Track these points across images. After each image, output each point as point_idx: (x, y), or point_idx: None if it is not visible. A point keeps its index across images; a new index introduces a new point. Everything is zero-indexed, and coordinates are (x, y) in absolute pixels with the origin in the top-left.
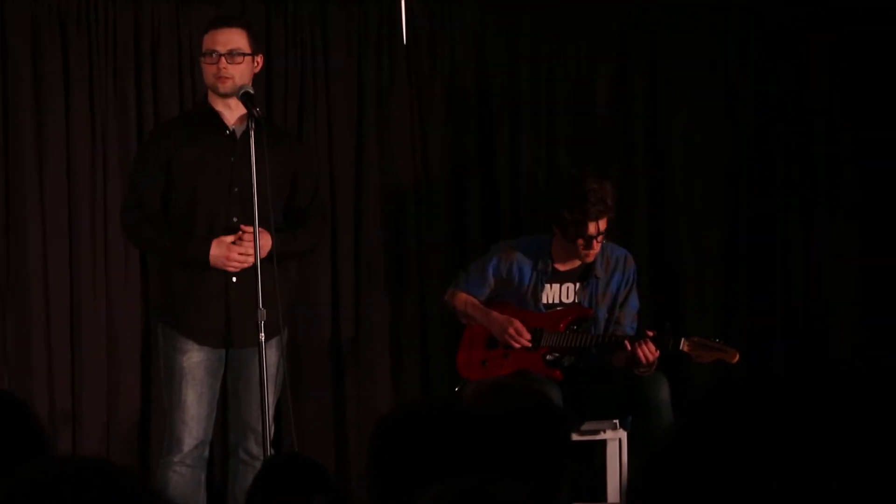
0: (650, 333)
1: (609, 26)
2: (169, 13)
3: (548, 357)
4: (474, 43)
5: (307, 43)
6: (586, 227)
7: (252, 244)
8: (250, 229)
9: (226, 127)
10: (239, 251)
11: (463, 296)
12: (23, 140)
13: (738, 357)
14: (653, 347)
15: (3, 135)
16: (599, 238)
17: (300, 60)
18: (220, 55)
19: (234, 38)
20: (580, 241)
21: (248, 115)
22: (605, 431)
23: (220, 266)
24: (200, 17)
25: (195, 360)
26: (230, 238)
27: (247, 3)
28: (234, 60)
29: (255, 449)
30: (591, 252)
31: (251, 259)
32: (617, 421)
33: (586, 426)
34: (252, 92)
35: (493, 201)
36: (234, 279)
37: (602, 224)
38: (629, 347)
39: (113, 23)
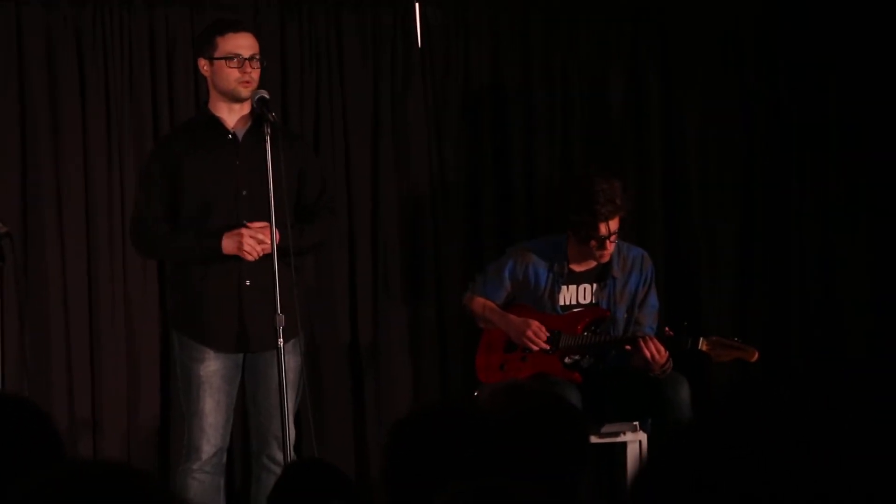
0: (669, 332)
1: (622, 27)
2: (183, 19)
3: (566, 360)
4: (488, 46)
5: (322, 48)
6: (597, 228)
7: (263, 231)
8: (256, 224)
9: (228, 131)
10: (250, 233)
11: (480, 300)
12: (39, 149)
13: (757, 356)
14: (658, 345)
15: (20, 144)
16: (612, 238)
17: (315, 65)
18: (245, 59)
19: (253, 42)
20: (593, 243)
21: (263, 120)
22: (625, 433)
23: (233, 251)
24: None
25: (212, 368)
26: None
27: (260, 8)
28: (255, 65)
29: (278, 454)
30: (606, 252)
31: (266, 247)
32: (637, 423)
33: (606, 428)
34: (267, 97)
35: (509, 204)
36: (248, 282)
37: (613, 224)
38: (640, 345)
39: (128, 30)
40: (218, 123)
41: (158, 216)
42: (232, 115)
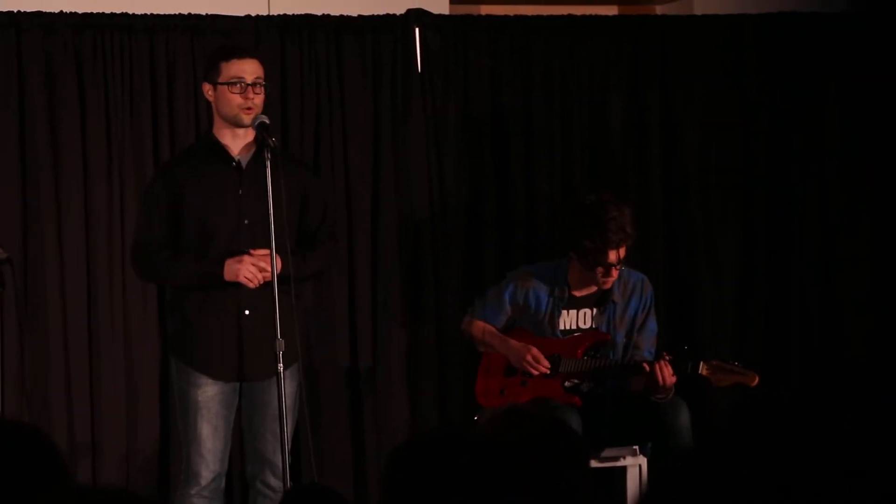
0: (667, 356)
1: (620, 46)
2: (184, 44)
3: (566, 384)
4: (487, 68)
5: (322, 71)
6: (606, 255)
7: (265, 259)
8: (259, 251)
9: (231, 159)
10: (252, 261)
11: (480, 324)
12: (40, 173)
13: (757, 380)
14: (670, 370)
15: (20, 167)
16: (619, 266)
17: (315, 89)
18: (248, 85)
19: (256, 68)
20: (599, 269)
21: (264, 145)
22: (625, 458)
23: (233, 278)
24: (215, 46)
25: (209, 393)
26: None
27: (261, 31)
28: (258, 91)
29: (273, 481)
30: (610, 280)
31: (267, 275)
32: (637, 447)
33: (606, 452)
34: (268, 122)
35: (509, 226)
36: (247, 312)
37: (622, 252)
38: (647, 370)
39: (128, 54)
40: (222, 150)
41: (159, 242)
42: (236, 142)
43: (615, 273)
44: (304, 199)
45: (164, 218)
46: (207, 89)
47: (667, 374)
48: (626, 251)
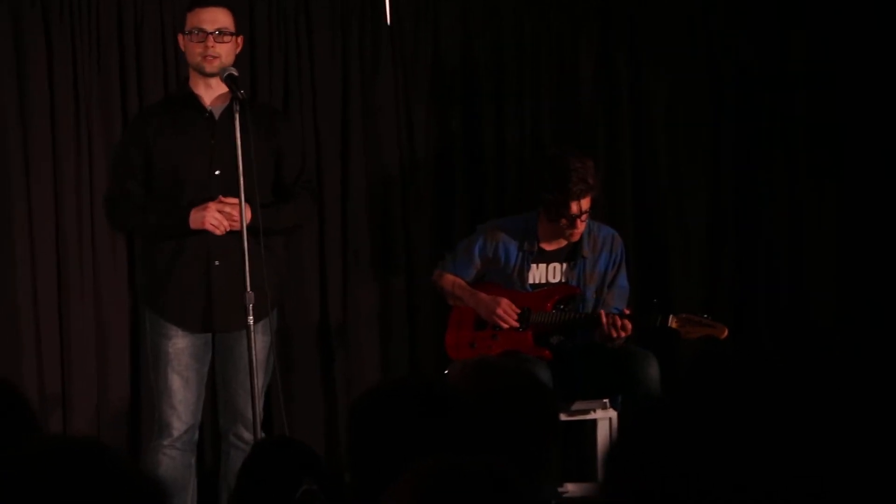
0: (627, 311)
1: (591, 4)
2: None
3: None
4: (458, 23)
5: (291, 24)
6: (568, 207)
7: (233, 208)
8: (230, 199)
9: (204, 109)
10: (217, 207)
11: (450, 277)
12: (7, 128)
13: (726, 332)
14: (619, 322)
15: None
16: (583, 217)
17: (284, 42)
18: (208, 34)
19: (219, 17)
20: (563, 221)
21: (233, 98)
22: (595, 411)
23: (199, 226)
24: (183, 1)
25: (180, 345)
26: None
27: None
28: (221, 39)
29: (245, 434)
30: (576, 231)
31: (235, 223)
32: (607, 400)
33: (576, 405)
34: (236, 74)
35: (479, 181)
36: (217, 262)
37: (585, 203)
38: (603, 319)
39: (96, 10)
40: (195, 100)
41: (130, 190)
42: (209, 92)
43: (580, 225)
44: (279, 152)
45: (136, 166)
46: (180, 40)
47: (615, 323)
48: (592, 203)
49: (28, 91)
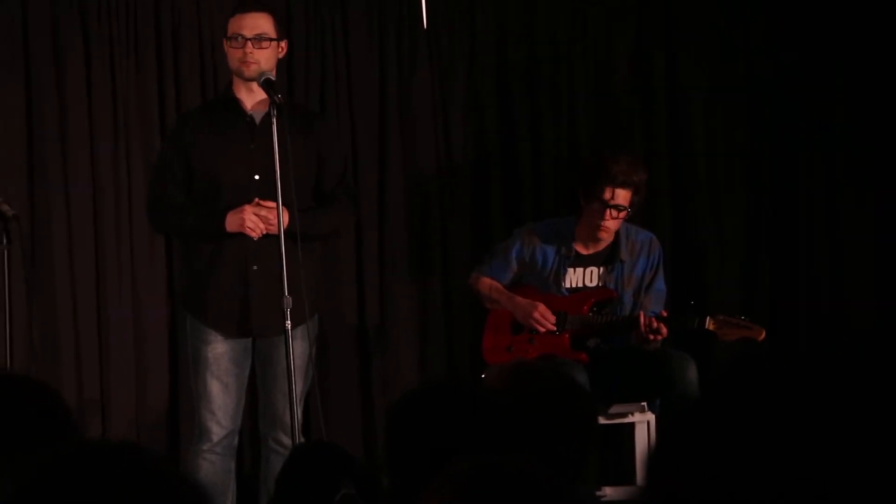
0: (664, 314)
1: (627, 4)
2: (188, 2)
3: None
4: (493, 25)
5: (328, 27)
6: (603, 190)
7: (269, 212)
8: (268, 203)
9: (245, 113)
10: (253, 209)
11: (487, 280)
12: (46, 130)
13: (764, 334)
14: (655, 323)
15: (27, 125)
16: (616, 215)
17: (321, 45)
18: (247, 39)
19: (260, 23)
20: (595, 208)
21: (270, 103)
22: (632, 414)
23: (236, 229)
24: (220, 4)
25: (219, 350)
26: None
27: None
28: (259, 45)
29: (285, 439)
30: (606, 226)
31: (272, 227)
32: (645, 403)
33: (614, 409)
34: (273, 78)
35: (516, 183)
36: (255, 267)
37: (621, 196)
38: (641, 320)
39: (133, 13)
40: (236, 105)
41: (171, 193)
42: (251, 97)
43: (611, 223)
44: (319, 156)
45: (175, 169)
46: (224, 44)
47: (651, 325)
48: (631, 205)
49: (66, 96)
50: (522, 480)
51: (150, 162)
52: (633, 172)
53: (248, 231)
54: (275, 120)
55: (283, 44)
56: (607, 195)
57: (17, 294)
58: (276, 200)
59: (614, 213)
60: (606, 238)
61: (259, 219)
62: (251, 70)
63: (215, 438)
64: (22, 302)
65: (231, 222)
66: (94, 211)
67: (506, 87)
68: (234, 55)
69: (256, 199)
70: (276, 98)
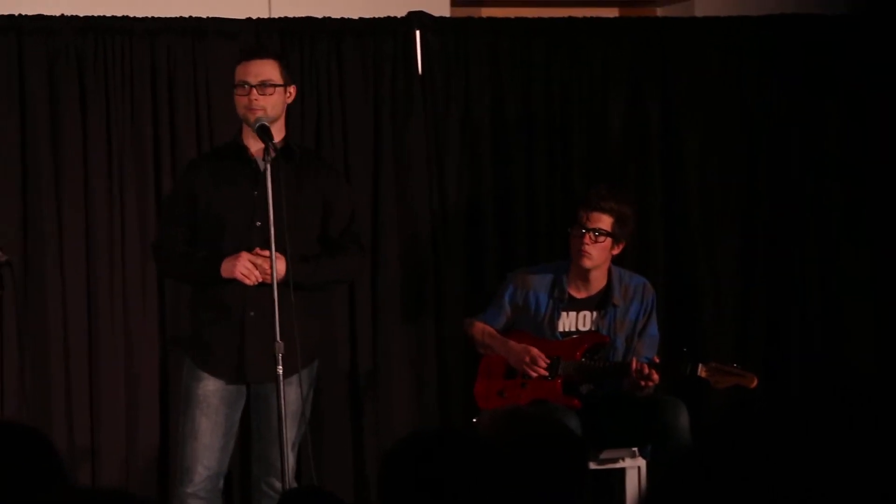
0: (656, 360)
1: (620, 49)
2: (184, 47)
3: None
4: (488, 71)
5: (323, 75)
6: (580, 213)
7: (265, 260)
8: (265, 252)
9: (251, 160)
10: (249, 257)
11: (480, 325)
12: (41, 176)
13: (756, 382)
14: (646, 370)
15: (22, 170)
16: (596, 239)
17: (316, 91)
18: (252, 86)
19: (265, 70)
20: (576, 236)
21: (265, 149)
22: (624, 460)
23: (230, 275)
24: (216, 50)
25: (210, 388)
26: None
27: (261, 35)
28: (265, 91)
29: (277, 483)
30: (584, 251)
31: (268, 275)
32: (636, 449)
33: (605, 454)
34: (267, 125)
35: (510, 229)
36: (252, 313)
37: (600, 221)
38: (633, 366)
39: (129, 58)
40: (243, 151)
41: (175, 238)
42: (258, 144)
43: (588, 244)
44: (326, 205)
45: (181, 214)
46: (234, 94)
47: (643, 372)
48: (613, 233)
49: (61, 144)
50: None
51: (144, 211)
52: (611, 197)
53: (241, 278)
54: (269, 165)
55: (292, 89)
56: (583, 219)
57: (9, 339)
58: (281, 248)
59: (592, 236)
60: (589, 265)
61: (254, 266)
62: (256, 116)
63: (197, 479)
64: (13, 347)
65: (226, 269)
66: (87, 256)
67: (500, 132)
68: (240, 102)
69: (256, 249)
70: (270, 145)
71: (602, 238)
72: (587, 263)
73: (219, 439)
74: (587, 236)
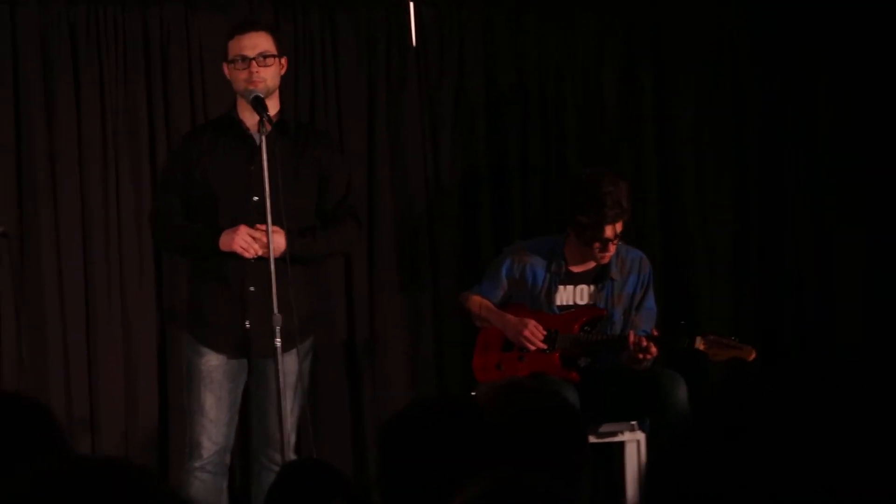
0: (654, 333)
1: (614, 23)
2: (177, 19)
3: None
4: (482, 44)
5: (316, 47)
6: (603, 230)
7: (264, 234)
8: (263, 227)
9: (246, 135)
10: (247, 230)
11: (477, 298)
12: (35, 147)
13: (754, 354)
14: (645, 342)
15: (16, 141)
16: (615, 241)
17: (310, 65)
18: (251, 59)
19: (260, 41)
20: (596, 245)
21: (259, 121)
22: (623, 433)
23: (228, 248)
24: (209, 22)
25: (214, 363)
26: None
27: (254, 7)
28: (264, 63)
29: (277, 456)
30: (607, 255)
31: (263, 249)
32: (635, 422)
33: (604, 428)
34: (262, 96)
35: (505, 201)
36: (252, 289)
37: (619, 227)
38: (630, 339)
39: (122, 29)
40: (238, 125)
41: (172, 210)
42: (254, 118)
43: (612, 248)
44: (322, 177)
45: (178, 186)
46: (224, 69)
47: (641, 345)
48: (623, 226)
49: (55, 114)
50: (539, 497)
51: (139, 180)
52: (622, 200)
53: (239, 251)
54: (263, 138)
55: (284, 60)
56: (608, 234)
57: (7, 310)
58: (279, 221)
59: (613, 242)
60: (607, 261)
61: (253, 240)
62: (259, 89)
63: (206, 455)
64: (11, 318)
65: (224, 241)
66: (83, 228)
67: (494, 104)
68: (238, 76)
69: (257, 225)
70: (264, 117)
71: (618, 239)
72: (606, 261)
73: (224, 414)
74: (610, 245)
